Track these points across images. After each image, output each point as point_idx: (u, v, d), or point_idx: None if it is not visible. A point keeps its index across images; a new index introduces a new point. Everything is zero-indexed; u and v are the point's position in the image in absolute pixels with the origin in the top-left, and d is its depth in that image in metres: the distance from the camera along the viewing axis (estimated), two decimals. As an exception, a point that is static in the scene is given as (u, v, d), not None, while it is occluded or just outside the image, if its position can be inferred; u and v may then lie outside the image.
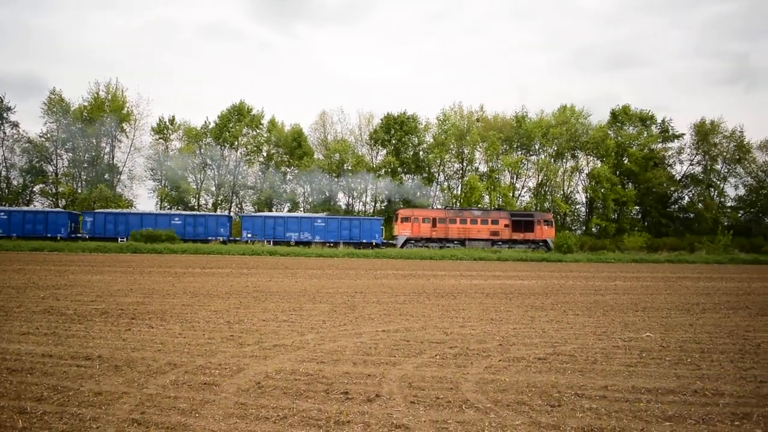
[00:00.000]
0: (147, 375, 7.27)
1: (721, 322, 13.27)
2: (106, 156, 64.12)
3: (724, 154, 69.45)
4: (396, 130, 64.57)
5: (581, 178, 68.83)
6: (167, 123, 65.28)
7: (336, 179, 64.78)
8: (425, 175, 64.60)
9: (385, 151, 66.25)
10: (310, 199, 65.77)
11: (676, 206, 70.88)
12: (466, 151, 66.77)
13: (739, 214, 69.63)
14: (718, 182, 70.57)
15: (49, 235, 48.19)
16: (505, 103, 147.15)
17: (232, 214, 61.80)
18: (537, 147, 67.88)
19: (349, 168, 63.64)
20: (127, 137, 64.22)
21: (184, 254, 39.67)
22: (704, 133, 68.78)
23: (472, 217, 53.58)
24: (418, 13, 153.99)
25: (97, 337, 9.69)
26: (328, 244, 50.65)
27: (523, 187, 68.21)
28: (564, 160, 68.20)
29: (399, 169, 63.92)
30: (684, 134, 70.84)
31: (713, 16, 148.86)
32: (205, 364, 7.92)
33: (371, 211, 65.08)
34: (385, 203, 65.61)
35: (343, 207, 65.32)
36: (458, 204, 64.40)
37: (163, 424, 5.51)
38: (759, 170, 70.18)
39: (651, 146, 68.91)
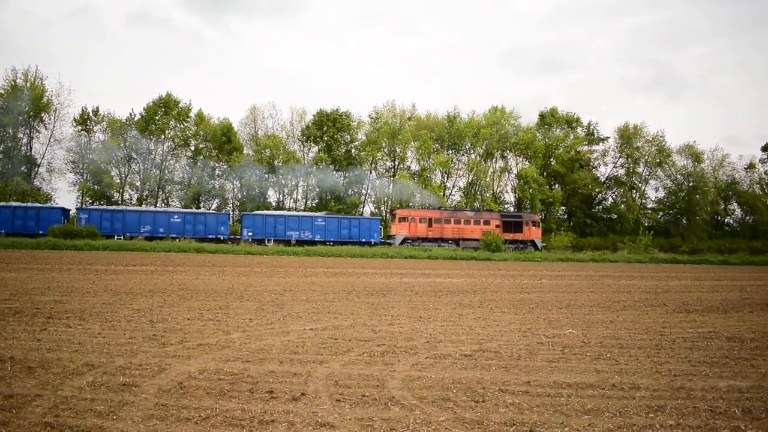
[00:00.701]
0: (62, 376, 6.99)
1: (640, 318, 13.81)
2: (23, 147, 61.23)
3: (646, 157, 72.37)
4: (329, 127, 64.36)
5: (510, 178, 70.46)
6: (90, 114, 62.86)
7: (267, 175, 64.00)
8: (357, 172, 64.64)
9: (317, 148, 65.90)
10: (240, 196, 64.77)
11: (601, 207, 73.41)
12: (398, 150, 67.18)
13: (659, 216, 72.71)
14: (640, 184, 73.54)
15: (41, 232, 45.52)
16: (437, 102, 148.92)
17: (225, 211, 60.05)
18: (468, 147, 68.99)
19: (280, 164, 62.98)
20: (46, 128, 61.53)
21: (106, 251, 38.36)
22: (627, 137, 71.53)
23: (466, 218, 55.46)
24: (351, 11, 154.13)
25: (9, 337, 9.24)
26: (329, 243, 51.22)
27: (453, 186, 69.23)
28: (494, 160, 69.62)
29: (331, 166, 63.74)
30: (608, 137, 73.77)
31: (639, 25, 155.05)
32: (125, 364, 7.68)
33: (302, 207, 64.62)
34: (317, 200, 65.28)
35: (274, 204, 64.57)
36: (389, 203, 64.85)
37: (78, 427, 5.31)
38: (678, 173, 73.50)
39: (577, 148, 71.21)
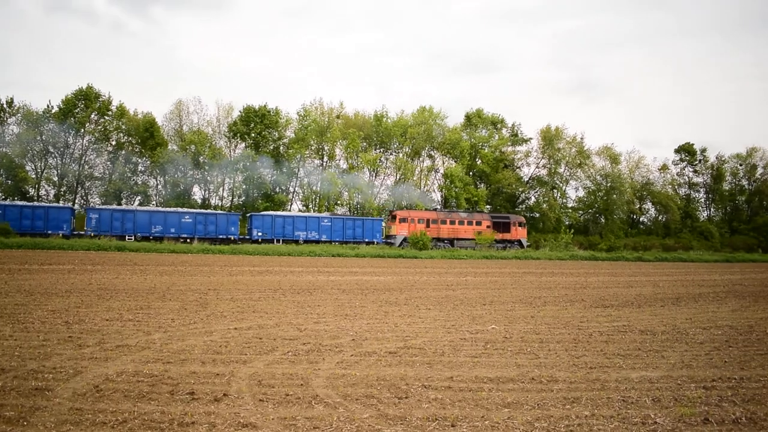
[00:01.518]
0: (-33, 381, 6.63)
1: (559, 314, 14.25)
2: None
3: (567, 158, 74.74)
4: (256, 123, 63.39)
5: (437, 177, 71.35)
6: (4, 105, 59.77)
7: (191, 172, 62.54)
8: (285, 170, 64.00)
9: (243, 145, 64.84)
10: (164, 192, 63.02)
11: (524, 206, 75.30)
12: (326, 148, 66.91)
13: (579, 215, 75.20)
14: (561, 184, 75.85)
15: (49, 231, 44.42)
16: (365, 101, 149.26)
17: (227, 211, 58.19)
18: (395, 146, 69.43)
19: (206, 160, 61.61)
20: (-46, 120, 58.08)
21: (20, 249, 36.59)
22: (549, 138, 73.64)
23: (460, 219, 57.85)
24: (280, 7, 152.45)
25: None
26: (334, 242, 52.09)
27: (381, 185, 69.51)
28: (421, 160, 70.29)
29: (258, 163, 62.85)
30: (532, 139, 75.82)
31: (563, 30, 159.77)
32: (37, 368, 7.35)
33: (228, 205, 63.46)
34: (243, 198, 64.26)
35: (199, 201, 63.17)
36: (317, 200, 64.58)
37: (-16, 434, 5.05)
38: (597, 174, 76.24)
39: (502, 149, 72.85)
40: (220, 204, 63.91)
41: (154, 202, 62.10)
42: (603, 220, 73.69)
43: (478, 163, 70.18)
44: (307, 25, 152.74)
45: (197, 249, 41.86)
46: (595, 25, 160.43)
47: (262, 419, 5.69)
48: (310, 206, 64.89)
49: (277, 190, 64.52)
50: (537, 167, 75.95)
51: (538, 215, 72.00)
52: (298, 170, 66.50)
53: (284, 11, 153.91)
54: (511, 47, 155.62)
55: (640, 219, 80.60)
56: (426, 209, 60.61)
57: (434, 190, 71.70)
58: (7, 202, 47.54)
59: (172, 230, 47.99)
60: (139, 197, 62.56)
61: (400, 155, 69.41)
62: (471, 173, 69.77)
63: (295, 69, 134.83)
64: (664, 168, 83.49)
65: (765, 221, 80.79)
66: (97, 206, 50.47)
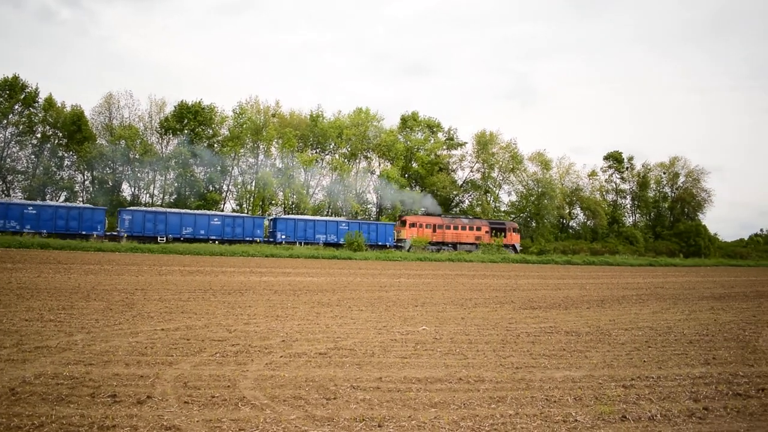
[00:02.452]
0: None
1: (489, 315, 14.52)
2: None
3: (500, 163, 76.29)
4: (190, 120, 61.99)
5: (372, 179, 71.48)
6: None
7: (121, 168, 60.72)
8: (219, 168, 62.90)
9: (176, 141, 63.34)
10: (91, 189, 60.93)
11: (458, 209, 76.39)
12: (261, 147, 66.11)
13: (511, 218, 76.80)
14: (495, 188, 77.39)
15: (83, 232, 44.96)
16: (303, 101, 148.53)
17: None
18: (332, 146, 69.26)
19: (136, 156, 59.89)
20: None
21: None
22: (484, 143, 75.06)
23: (462, 224, 61.55)
24: (218, 2, 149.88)
25: None
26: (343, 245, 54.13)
27: (317, 186, 69.18)
28: (357, 161, 70.33)
29: (191, 160, 61.52)
30: (466, 143, 77.10)
31: (500, 37, 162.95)
32: (-54, 370, 7.01)
33: (159, 202, 61.82)
34: (175, 196, 62.78)
35: (129, 198, 61.37)
36: (252, 199, 63.78)
37: None
38: (529, 179, 78.12)
39: (437, 152, 73.70)
40: (150, 201, 62.24)
41: (81, 199, 59.95)
42: (534, 224, 75.48)
43: (414, 165, 70.74)
44: (244, 22, 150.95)
45: (125, 248, 40.64)
46: (532, 32, 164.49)
47: (187, 421, 5.58)
48: (244, 206, 63.98)
49: (210, 188, 63.34)
50: (471, 171, 77.31)
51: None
52: (232, 169, 65.50)
53: (221, 6, 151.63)
54: (450, 52, 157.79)
55: (570, 223, 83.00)
56: (432, 215, 63.49)
57: (370, 192, 71.90)
58: (40, 202, 47.88)
59: (202, 232, 49.63)
60: (65, 193, 60.29)
61: (337, 156, 69.31)
62: (406, 175, 70.27)
63: (232, 66, 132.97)
64: (593, 174, 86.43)
65: (686, 227, 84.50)
66: (129, 208, 51.20)
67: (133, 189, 63.14)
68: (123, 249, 39.89)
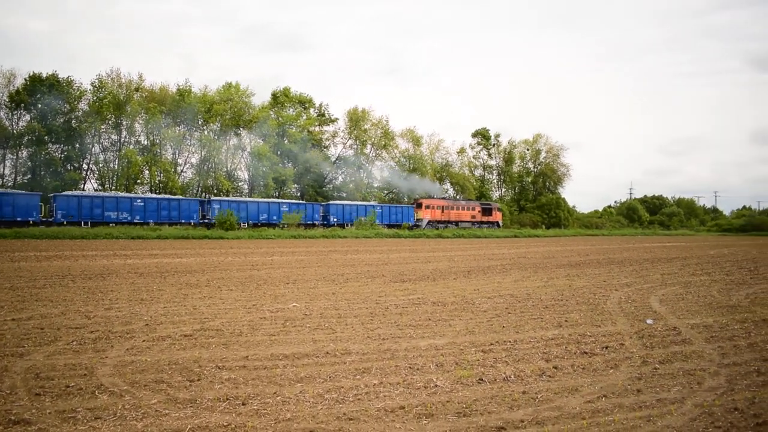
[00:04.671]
0: None
1: (360, 289, 14.75)
2: None
3: (373, 139, 77.17)
4: (44, 93, 57.50)
5: (244, 156, 69.99)
6: None
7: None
8: (78, 145, 59.09)
9: (29, 117, 58.70)
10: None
11: (331, 186, 76.67)
12: (124, 123, 62.74)
13: (384, 194, 78.13)
14: (367, 165, 78.24)
15: (183, 221, 51.09)
16: (168, 75, 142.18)
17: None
18: (200, 122, 66.90)
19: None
20: None
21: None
22: (356, 119, 75.62)
23: (460, 206, 72.75)
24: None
25: None
26: (384, 225, 63.34)
27: (185, 163, 66.80)
28: (227, 138, 68.47)
29: (46, 137, 57.31)
30: (338, 119, 77.28)
31: (374, 13, 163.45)
32: None
33: (11, 184, 57.20)
34: (29, 176, 58.36)
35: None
36: (116, 178, 60.67)
37: None
38: (401, 156, 79.63)
39: (309, 128, 73.25)
40: (2, 183, 57.54)
41: None
42: (406, 200, 77.18)
43: (286, 142, 69.96)
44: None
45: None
46: (405, 9, 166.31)
47: (38, 414, 5.29)
48: (107, 185, 60.71)
49: (69, 167, 59.50)
50: (344, 147, 77.64)
51: (345, 194, 73.60)
52: (93, 146, 61.80)
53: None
54: (323, 27, 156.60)
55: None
56: (441, 198, 75.35)
57: (241, 169, 70.39)
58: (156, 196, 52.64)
59: (274, 218, 56.33)
60: None
61: (206, 132, 67.13)
62: (278, 152, 69.38)
63: (91, 36, 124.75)
64: (462, 151, 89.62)
65: (547, 200, 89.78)
66: (216, 198, 57.72)
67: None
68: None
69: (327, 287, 15.16)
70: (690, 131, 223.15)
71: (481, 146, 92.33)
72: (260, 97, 73.25)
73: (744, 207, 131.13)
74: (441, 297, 13.41)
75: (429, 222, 68.21)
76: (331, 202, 64.03)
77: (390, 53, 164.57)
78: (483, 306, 12.06)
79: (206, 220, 52.59)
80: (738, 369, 7.21)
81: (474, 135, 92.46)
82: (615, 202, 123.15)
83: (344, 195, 73.52)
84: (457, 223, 71.27)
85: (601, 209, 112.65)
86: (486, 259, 26.76)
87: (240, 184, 69.99)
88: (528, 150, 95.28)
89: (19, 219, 43.12)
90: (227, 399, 5.78)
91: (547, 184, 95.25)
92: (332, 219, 60.03)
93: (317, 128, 75.76)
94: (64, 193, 48.07)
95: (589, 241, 57.45)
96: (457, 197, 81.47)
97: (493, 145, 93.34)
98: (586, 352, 7.99)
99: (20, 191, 46.59)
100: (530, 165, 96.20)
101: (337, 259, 25.93)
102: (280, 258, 25.67)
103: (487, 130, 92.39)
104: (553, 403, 5.82)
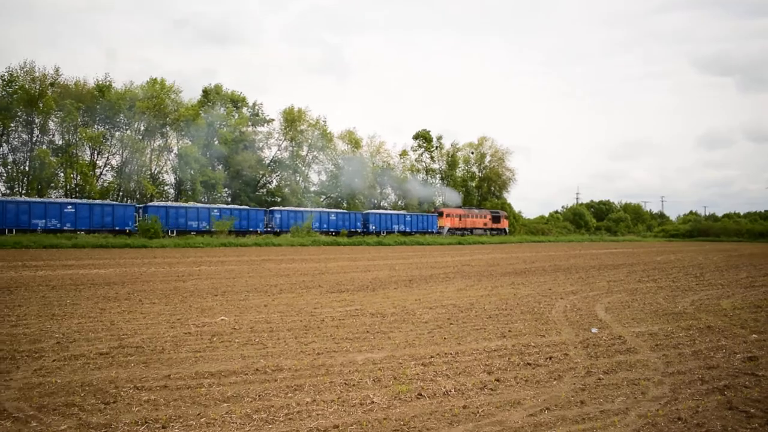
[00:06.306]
0: None
1: (294, 301, 14.63)
2: None
3: (310, 141, 76.80)
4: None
5: (170, 157, 68.51)
6: None
7: None
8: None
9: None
10: None
11: (265, 190, 75.83)
12: (37, 120, 60.50)
13: (322, 199, 77.77)
14: (304, 168, 77.76)
15: (251, 228, 57.34)
16: (87, 69, 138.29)
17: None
18: (122, 121, 65.04)
19: None
20: None
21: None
22: (292, 119, 75.08)
23: (474, 214, 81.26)
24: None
25: None
26: (413, 233, 71.69)
27: (105, 165, 64.84)
28: (152, 138, 66.85)
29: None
30: (273, 119, 76.54)
31: (312, 4, 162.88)
32: None
33: None
34: None
35: None
36: (26, 181, 58.48)
37: None
38: (339, 158, 79.51)
39: (242, 129, 72.24)
40: None
41: None
42: (345, 205, 77.08)
43: (216, 143, 68.83)
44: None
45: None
46: (345, 3, 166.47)
47: (-72, 444, 5.04)
48: (16, 189, 58.48)
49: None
50: (279, 150, 76.94)
51: (279, 199, 72.85)
52: (0, 146, 59.42)
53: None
54: (257, 20, 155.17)
55: (381, 203, 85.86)
56: (458, 207, 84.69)
57: (167, 172, 68.83)
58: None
59: (325, 226, 62.85)
60: None
61: (129, 132, 65.37)
62: (208, 154, 68.16)
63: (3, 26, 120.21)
64: (404, 153, 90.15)
65: (493, 205, 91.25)
66: (277, 208, 63.20)
67: None
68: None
69: (259, 299, 14.99)
70: (637, 134, 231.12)
71: (423, 149, 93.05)
72: (189, 94, 71.91)
73: (690, 212, 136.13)
74: (380, 308, 13.43)
75: (449, 229, 76.55)
76: (371, 211, 72.06)
77: (328, 48, 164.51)
78: (424, 317, 12.14)
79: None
80: (682, 378, 7.46)
81: (415, 137, 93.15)
82: (562, 207, 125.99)
83: (278, 200, 72.85)
84: (471, 230, 79.89)
85: (547, 215, 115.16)
86: (428, 268, 26.96)
87: (166, 188, 68.48)
88: (472, 153, 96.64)
89: None
90: (146, 422, 5.63)
91: (492, 188, 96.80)
92: (372, 228, 67.62)
93: (250, 128, 74.85)
94: None
95: (535, 247, 58.59)
96: (475, 207, 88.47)
97: (436, 147, 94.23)
98: (529, 364, 8.13)
99: None
100: (474, 169, 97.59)
101: (271, 268, 25.68)
102: (208, 268, 25.24)
103: (428, 132, 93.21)
104: (495, 418, 5.89)
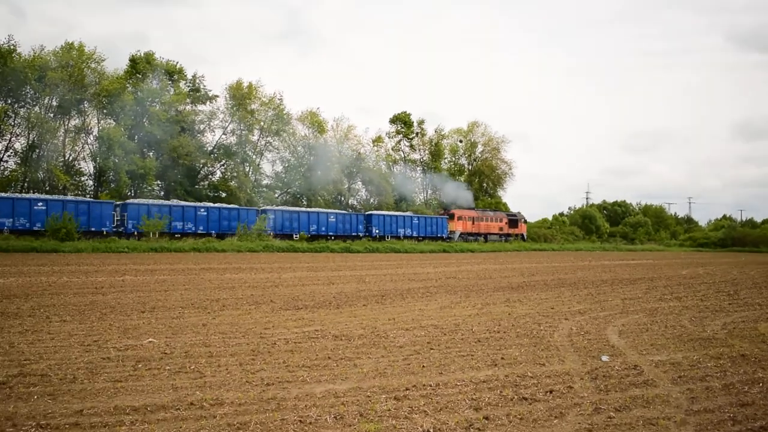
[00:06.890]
0: None
1: (240, 319, 14.59)
2: None
3: (262, 123, 76.15)
4: None
5: (89, 141, 67.75)
6: None
7: None
8: None
9: None
10: None
11: (207, 183, 75.20)
12: None
13: (276, 195, 77.43)
14: (255, 156, 77.20)
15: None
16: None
17: None
18: (30, 95, 64.08)
19: None
20: None
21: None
22: (241, 97, 74.17)
23: (489, 217, 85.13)
24: None
25: None
26: (420, 238, 74.93)
27: (7, 150, 63.80)
28: (67, 117, 66.03)
29: None
30: (218, 96, 75.56)
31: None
32: None
33: None
34: None
35: None
36: None
37: None
38: (299, 145, 78.95)
39: (178, 107, 71.45)
40: None
41: None
42: (305, 202, 76.84)
43: (146, 124, 67.98)
44: None
45: None
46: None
47: None
48: None
49: None
50: (224, 134, 76.25)
51: (224, 194, 72.08)
52: None
53: None
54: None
55: (349, 201, 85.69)
56: (471, 208, 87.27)
57: (85, 159, 67.99)
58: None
59: (323, 229, 66.26)
60: None
61: (37, 109, 64.45)
62: (136, 138, 67.42)
63: None
64: (378, 140, 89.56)
65: (485, 205, 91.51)
66: (271, 207, 66.42)
67: None
68: None
69: (196, 317, 14.92)
70: (658, 123, 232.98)
71: (401, 135, 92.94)
72: (113, 64, 70.98)
73: (724, 216, 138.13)
74: (345, 329, 13.43)
75: (461, 234, 79.78)
76: (374, 212, 74.74)
77: (287, 12, 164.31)
78: (399, 340, 12.16)
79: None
80: (710, 417, 7.54)
81: (392, 121, 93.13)
82: (569, 208, 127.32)
83: (223, 195, 72.40)
84: (486, 235, 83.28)
85: (551, 218, 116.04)
86: (406, 280, 27.04)
87: (83, 179, 67.68)
88: (461, 142, 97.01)
89: None
90: (51, 468, 5.56)
91: (485, 185, 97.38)
92: (375, 231, 70.47)
93: (189, 107, 74.17)
94: None
95: (536, 257, 59.09)
96: (489, 209, 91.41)
97: (416, 134, 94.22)
98: (525, 398, 8.16)
99: None
100: (463, 161, 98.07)
101: (212, 279, 25.58)
102: (134, 278, 25.07)
103: (408, 115, 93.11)
104: (482, 465, 5.90)
